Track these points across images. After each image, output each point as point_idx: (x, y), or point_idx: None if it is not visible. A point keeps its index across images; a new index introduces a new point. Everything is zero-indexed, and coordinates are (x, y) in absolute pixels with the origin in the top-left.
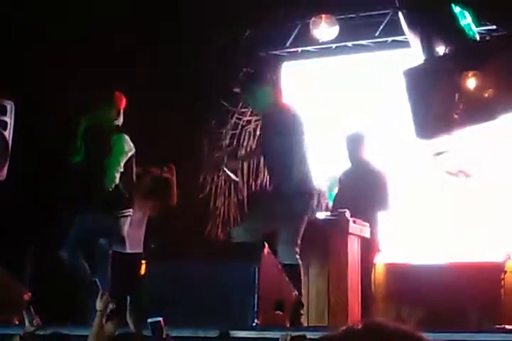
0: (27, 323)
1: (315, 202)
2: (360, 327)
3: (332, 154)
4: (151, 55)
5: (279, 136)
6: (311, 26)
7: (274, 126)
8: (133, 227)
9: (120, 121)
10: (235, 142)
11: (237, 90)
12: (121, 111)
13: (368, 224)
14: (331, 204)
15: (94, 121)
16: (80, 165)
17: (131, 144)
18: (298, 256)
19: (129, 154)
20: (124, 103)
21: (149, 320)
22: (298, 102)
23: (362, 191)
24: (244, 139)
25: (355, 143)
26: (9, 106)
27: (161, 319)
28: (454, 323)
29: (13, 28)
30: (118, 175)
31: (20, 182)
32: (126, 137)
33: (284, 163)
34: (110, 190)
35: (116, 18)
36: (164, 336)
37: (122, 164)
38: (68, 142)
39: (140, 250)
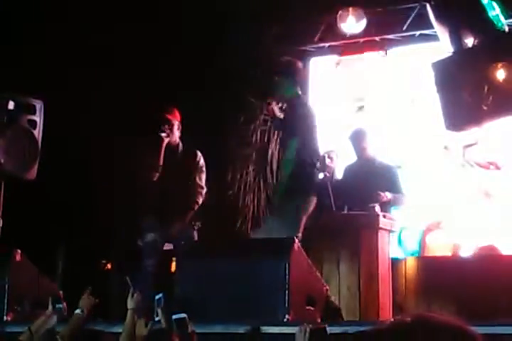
0: (50, 309)
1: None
2: (409, 320)
3: None
4: (178, 54)
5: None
6: (338, 19)
7: (300, 116)
8: None
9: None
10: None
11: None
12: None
13: (395, 218)
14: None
15: None
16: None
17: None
18: None
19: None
20: (179, 117)
21: (174, 317)
22: (326, 97)
23: (372, 186)
24: (273, 135)
25: (356, 143)
26: (38, 105)
27: (185, 315)
28: (486, 317)
29: (40, 28)
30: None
31: (50, 181)
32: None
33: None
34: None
35: (137, 16)
36: (189, 331)
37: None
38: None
39: (170, 246)
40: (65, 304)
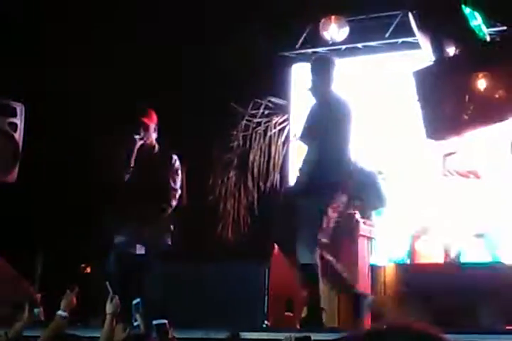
0: (26, 316)
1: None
2: (386, 327)
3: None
4: (160, 57)
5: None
6: (320, 28)
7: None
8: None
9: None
10: (247, 144)
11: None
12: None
13: (374, 224)
14: None
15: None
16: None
17: None
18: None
19: None
20: (156, 120)
21: (154, 322)
22: (308, 103)
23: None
24: (254, 141)
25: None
26: (19, 108)
27: (166, 321)
28: (464, 324)
29: (21, 31)
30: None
31: (30, 184)
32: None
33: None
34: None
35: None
36: (170, 336)
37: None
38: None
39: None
40: (41, 308)
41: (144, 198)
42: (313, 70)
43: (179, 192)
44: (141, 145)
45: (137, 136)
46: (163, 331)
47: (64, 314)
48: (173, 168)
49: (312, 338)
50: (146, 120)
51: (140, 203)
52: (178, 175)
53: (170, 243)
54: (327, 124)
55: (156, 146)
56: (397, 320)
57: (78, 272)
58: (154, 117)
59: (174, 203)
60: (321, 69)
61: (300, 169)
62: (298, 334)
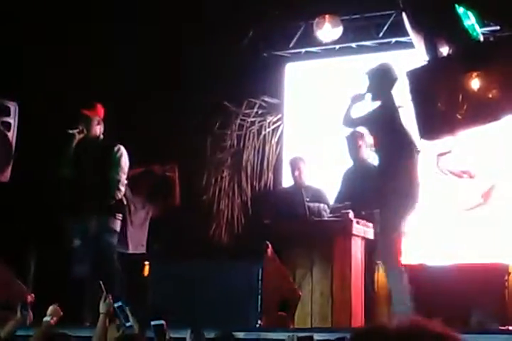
0: (18, 317)
1: None
2: (408, 325)
3: (335, 154)
4: (154, 57)
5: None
6: (314, 27)
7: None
8: (135, 228)
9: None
10: (240, 143)
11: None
12: (101, 122)
13: (371, 225)
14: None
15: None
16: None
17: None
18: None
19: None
20: (102, 113)
21: (152, 323)
22: (302, 103)
23: (363, 189)
24: (248, 140)
25: (354, 142)
26: (13, 107)
27: (164, 322)
28: (457, 325)
29: (15, 29)
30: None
31: (23, 183)
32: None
33: None
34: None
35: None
36: (167, 337)
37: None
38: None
39: (143, 250)
40: (30, 312)
41: (89, 192)
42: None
43: (124, 182)
44: (83, 138)
45: (75, 130)
46: (161, 332)
47: (49, 320)
48: (116, 159)
49: (315, 338)
50: (88, 113)
51: (85, 197)
52: (121, 166)
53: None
54: None
55: (101, 139)
56: (418, 319)
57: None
58: (100, 110)
59: (119, 195)
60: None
61: None
62: (300, 334)
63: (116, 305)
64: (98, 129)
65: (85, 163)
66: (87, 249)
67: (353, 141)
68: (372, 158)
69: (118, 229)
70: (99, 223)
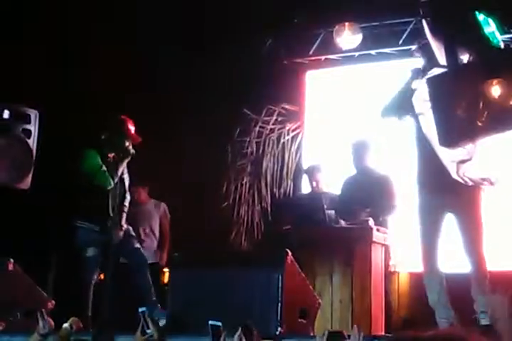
0: (40, 326)
1: None
2: (430, 335)
3: None
4: (175, 65)
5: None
6: (334, 34)
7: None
8: (147, 238)
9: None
10: (260, 150)
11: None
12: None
13: (388, 232)
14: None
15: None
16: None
17: None
18: None
19: None
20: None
21: (210, 323)
22: (321, 110)
23: (366, 197)
24: (267, 147)
25: (359, 151)
26: (33, 114)
27: (220, 324)
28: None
29: (36, 36)
30: None
31: (44, 190)
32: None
33: None
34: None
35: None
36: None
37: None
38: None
39: (155, 260)
40: (50, 320)
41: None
42: None
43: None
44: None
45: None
46: (216, 333)
47: (68, 328)
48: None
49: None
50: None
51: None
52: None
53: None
54: None
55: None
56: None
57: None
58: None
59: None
60: None
61: None
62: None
63: (140, 310)
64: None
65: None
66: (105, 258)
67: (357, 150)
68: (378, 167)
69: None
70: (125, 232)
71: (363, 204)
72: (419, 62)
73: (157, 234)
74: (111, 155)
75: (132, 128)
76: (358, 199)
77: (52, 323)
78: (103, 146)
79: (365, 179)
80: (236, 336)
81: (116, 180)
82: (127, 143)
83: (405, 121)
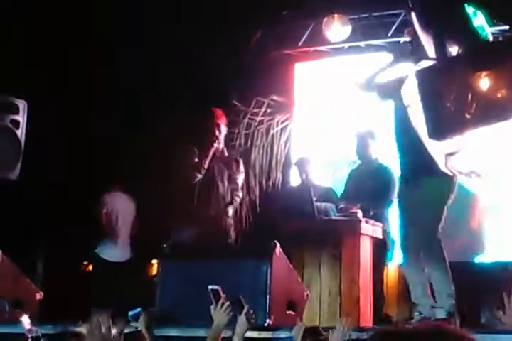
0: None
1: None
2: (433, 327)
3: (344, 153)
4: (164, 56)
5: None
6: (323, 26)
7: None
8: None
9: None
10: (249, 142)
11: None
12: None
13: (380, 224)
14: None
15: None
16: None
17: None
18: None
19: None
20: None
21: (209, 287)
22: (310, 102)
23: (369, 188)
24: (256, 139)
25: (364, 141)
26: (22, 105)
27: (219, 287)
28: (468, 323)
29: (21, 28)
30: None
31: (32, 181)
32: None
33: None
34: None
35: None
36: (222, 300)
37: None
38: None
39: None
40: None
41: None
42: None
43: None
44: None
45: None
46: (218, 296)
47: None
48: None
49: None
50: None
51: None
52: None
53: None
54: None
55: None
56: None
57: (80, 270)
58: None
59: None
60: None
61: None
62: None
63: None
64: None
65: None
66: None
67: (362, 139)
68: (382, 157)
69: None
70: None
71: (357, 198)
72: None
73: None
74: None
75: None
76: (354, 192)
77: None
78: None
79: (365, 171)
80: (242, 314)
81: None
82: None
83: (386, 102)
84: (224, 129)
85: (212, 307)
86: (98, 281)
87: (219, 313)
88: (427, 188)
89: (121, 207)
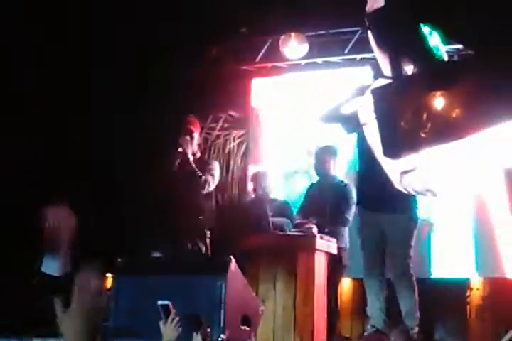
0: None
1: None
2: None
3: (300, 167)
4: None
5: None
6: (280, 44)
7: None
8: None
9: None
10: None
11: None
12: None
13: (334, 240)
14: (295, 216)
15: None
16: None
17: None
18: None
19: None
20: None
21: (159, 303)
22: (267, 117)
23: (326, 205)
24: (213, 154)
25: (323, 156)
26: None
27: (169, 302)
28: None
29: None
30: None
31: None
32: None
33: None
34: None
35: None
36: (172, 316)
37: None
38: None
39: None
40: None
41: None
42: None
43: None
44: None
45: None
46: (167, 311)
47: None
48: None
49: None
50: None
51: None
52: None
53: None
54: None
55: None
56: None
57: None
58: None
59: None
60: None
61: None
62: None
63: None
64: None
65: None
66: None
67: (321, 155)
68: (340, 174)
69: None
70: None
71: (314, 213)
72: (363, 71)
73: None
74: None
75: None
76: (311, 207)
77: None
78: None
79: (323, 187)
80: (199, 333)
81: None
82: None
83: (351, 133)
84: (196, 136)
85: (161, 322)
86: (39, 295)
87: (168, 328)
88: None
89: (62, 220)
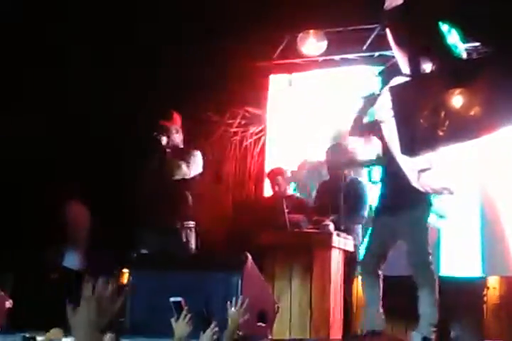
0: None
1: None
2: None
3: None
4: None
5: None
6: (298, 42)
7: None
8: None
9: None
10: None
11: None
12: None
13: (351, 237)
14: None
15: None
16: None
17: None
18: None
19: None
20: (179, 121)
21: (171, 299)
22: (284, 114)
23: (340, 202)
24: (230, 150)
25: (334, 155)
26: None
27: (181, 299)
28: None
29: None
30: None
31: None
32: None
33: None
34: None
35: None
36: (185, 313)
37: None
38: None
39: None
40: None
41: None
42: None
43: None
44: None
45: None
46: (179, 308)
47: None
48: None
49: None
50: (166, 123)
51: None
52: None
53: None
54: None
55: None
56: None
57: (49, 279)
58: (176, 119)
59: None
60: None
61: None
62: None
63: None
64: (178, 138)
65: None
66: None
67: (334, 153)
68: (355, 172)
69: None
70: None
71: (330, 210)
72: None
73: None
74: None
75: None
76: (326, 205)
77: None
78: None
79: (336, 185)
80: (209, 331)
81: None
82: None
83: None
84: (174, 132)
85: (173, 319)
86: (61, 290)
87: (180, 325)
88: None
89: (80, 216)
